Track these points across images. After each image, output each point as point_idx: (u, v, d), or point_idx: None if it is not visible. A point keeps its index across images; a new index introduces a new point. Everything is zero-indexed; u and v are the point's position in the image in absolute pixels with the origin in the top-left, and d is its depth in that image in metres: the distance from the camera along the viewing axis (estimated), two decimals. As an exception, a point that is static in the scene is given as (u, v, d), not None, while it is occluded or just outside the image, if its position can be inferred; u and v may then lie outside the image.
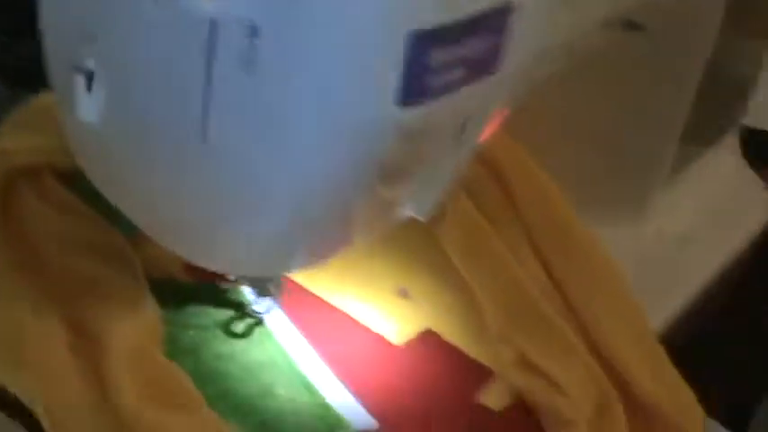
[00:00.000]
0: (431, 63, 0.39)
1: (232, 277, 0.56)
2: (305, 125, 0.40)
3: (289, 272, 0.54)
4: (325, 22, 0.37)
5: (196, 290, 0.58)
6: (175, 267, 0.58)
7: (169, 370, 0.49)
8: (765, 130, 0.93)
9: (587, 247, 0.60)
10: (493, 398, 0.57)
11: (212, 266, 0.47)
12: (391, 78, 0.38)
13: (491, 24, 0.41)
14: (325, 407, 0.53)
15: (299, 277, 0.60)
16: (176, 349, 0.54)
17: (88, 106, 0.44)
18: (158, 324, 0.52)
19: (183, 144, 0.42)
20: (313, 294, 0.60)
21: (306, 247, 0.46)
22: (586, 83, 0.66)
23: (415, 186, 0.48)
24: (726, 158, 0.78)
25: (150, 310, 0.51)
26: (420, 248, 0.63)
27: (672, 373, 0.57)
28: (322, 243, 0.46)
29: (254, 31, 0.38)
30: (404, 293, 0.61)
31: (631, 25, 0.56)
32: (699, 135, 0.72)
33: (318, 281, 0.60)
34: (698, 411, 0.56)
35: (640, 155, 0.67)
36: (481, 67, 0.42)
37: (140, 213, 0.47)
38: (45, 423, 0.46)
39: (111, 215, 0.55)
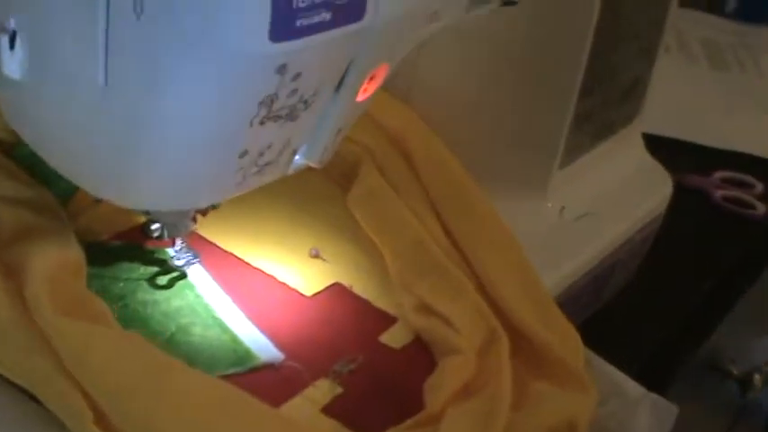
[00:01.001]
0: (296, 4, 0.46)
1: (155, 235, 0.62)
2: (189, 64, 0.46)
3: (193, 206, 0.59)
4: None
5: (124, 250, 0.64)
6: (106, 233, 0.65)
7: (88, 297, 0.55)
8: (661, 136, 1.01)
9: (482, 211, 0.67)
10: (393, 338, 0.63)
11: (124, 203, 0.53)
12: (263, 18, 0.45)
13: (352, -25, 0.48)
14: (237, 342, 0.59)
15: (220, 239, 0.67)
16: (106, 298, 0.60)
17: (11, 63, 0.50)
18: (82, 266, 0.58)
19: (90, 89, 0.48)
20: (232, 254, 0.66)
21: (203, 183, 0.52)
22: (488, 74, 0.74)
23: (305, 132, 0.55)
24: (631, 146, 0.85)
25: (74, 252, 0.57)
26: (332, 215, 0.70)
27: (555, 313, 0.63)
28: (219, 179, 0.53)
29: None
30: (316, 255, 0.67)
31: (506, 3, 0.63)
32: (598, 124, 0.79)
33: (238, 243, 0.67)
34: (578, 345, 0.62)
35: (536, 140, 0.74)
36: (347, 13, 0.49)
37: (59, 158, 0.53)
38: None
39: (45, 184, 0.62)
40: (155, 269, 0.63)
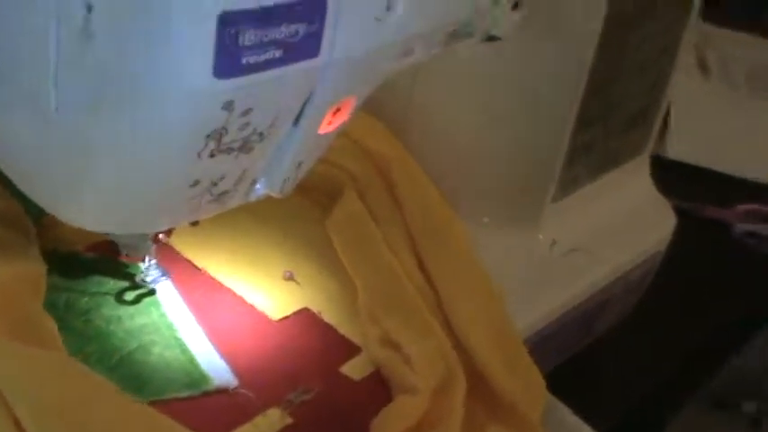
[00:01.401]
0: (242, 42, 0.45)
1: (124, 252, 0.62)
2: (134, 95, 0.46)
3: (145, 231, 0.59)
4: (145, 6, 0.44)
5: (97, 263, 0.64)
6: (80, 245, 0.65)
7: (39, 315, 0.55)
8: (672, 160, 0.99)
9: (459, 249, 0.67)
10: (354, 369, 0.62)
11: (76, 223, 0.53)
12: (207, 54, 0.45)
13: (304, 13, 0.47)
14: (194, 364, 0.59)
15: (195, 255, 0.67)
16: (70, 312, 0.61)
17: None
18: (41, 281, 0.58)
19: (44, 112, 0.49)
20: (205, 273, 0.66)
21: (154, 209, 0.52)
22: (483, 105, 0.73)
23: (262, 164, 0.55)
24: (637, 178, 0.83)
25: (34, 266, 0.58)
26: (310, 238, 0.69)
27: (521, 358, 0.62)
28: (171, 207, 0.53)
29: (89, 8, 0.45)
30: (290, 277, 0.67)
31: (490, 38, 0.62)
32: (600, 155, 0.78)
33: (213, 260, 0.67)
34: (541, 393, 0.61)
35: (529, 173, 0.73)
36: (300, 50, 0.48)
37: (16, 173, 0.54)
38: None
39: (22, 199, 0.62)
40: (124, 284, 0.64)
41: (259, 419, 0.57)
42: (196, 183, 0.51)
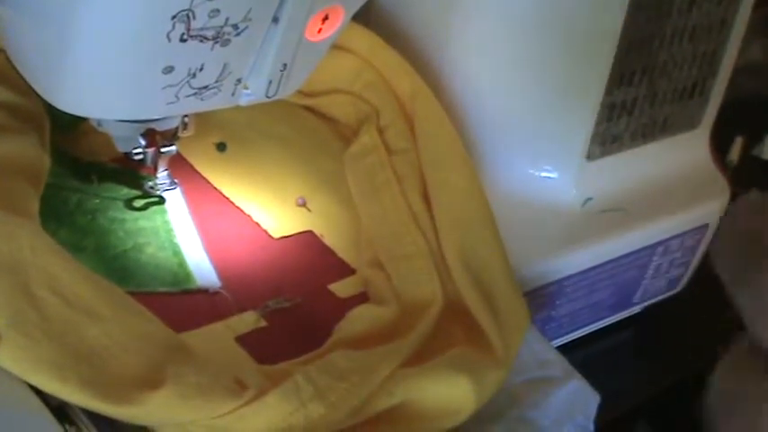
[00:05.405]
0: None
1: (137, 159, 0.64)
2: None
3: (126, 117, 0.60)
4: None
5: (116, 173, 0.67)
6: (105, 156, 0.68)
7: (24, 196, 0.57)
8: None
9: (461, 182, 0.66)
10: (343, 288, 0.63)
11: (60, 105, 0.55)
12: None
13: None
14: (182, 266, 0.61)
15: (214, 176, 0.69)
16: (78, 210, 0.63)
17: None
18: (40, 175, 0.59)
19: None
20: (219, 191, 0.68)
21: (129, 94, 0.54)
22: (518, 44, 0.72)
23: (244, 62, 0.56)
24: (691, 152, 0.81)
25: (35, 158, 0.59)
26: (328, 169, 0.70)
27: (507, 299, 0.61)
28: (147, 93, 0.54)
29: None
30: (302, 204, 0.68)
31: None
32: (646, 120, 0.76)
33: (230, 182, 0.68)
34: (519, 331, 0.60)
35: (562, 123, 0.72)
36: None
37: (21, 64, 0.57)
38: None
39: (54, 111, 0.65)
40: (137, 193, 0.66)
41: (234, 320, 0.58)
42: (170, 69, 0.53)
